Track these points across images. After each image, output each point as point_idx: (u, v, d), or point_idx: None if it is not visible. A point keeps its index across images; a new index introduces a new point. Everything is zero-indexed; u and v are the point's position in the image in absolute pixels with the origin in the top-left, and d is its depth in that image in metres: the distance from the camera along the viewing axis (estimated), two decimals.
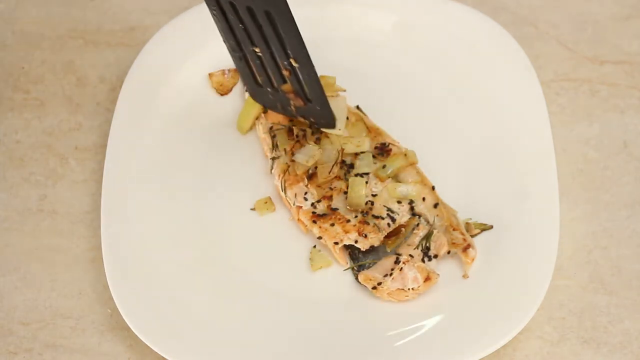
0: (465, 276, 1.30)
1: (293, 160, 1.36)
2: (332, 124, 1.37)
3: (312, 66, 1.30)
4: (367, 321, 1.28)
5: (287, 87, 1.35)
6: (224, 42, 1.35)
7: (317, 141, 1.37)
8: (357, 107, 1.43)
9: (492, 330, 1.24)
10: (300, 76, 1.32)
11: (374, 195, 1.34)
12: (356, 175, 1.35)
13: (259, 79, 1.37)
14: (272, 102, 1.39)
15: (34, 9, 1.60)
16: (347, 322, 1.28)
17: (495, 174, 1.38)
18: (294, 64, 1.30)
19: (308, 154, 1.36)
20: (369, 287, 1.29)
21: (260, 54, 1.32)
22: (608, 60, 1.53)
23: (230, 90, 1.48)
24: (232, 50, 1.35)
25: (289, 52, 1.29)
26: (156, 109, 1.44)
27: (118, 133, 1.40)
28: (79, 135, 1.47)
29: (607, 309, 1.31)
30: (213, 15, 1.32)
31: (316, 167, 1.35)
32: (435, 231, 1.31)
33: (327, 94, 1.36)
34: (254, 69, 1.36)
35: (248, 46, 1.33)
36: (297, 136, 1.38)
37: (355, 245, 1.31)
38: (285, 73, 1.33)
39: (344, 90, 1.41)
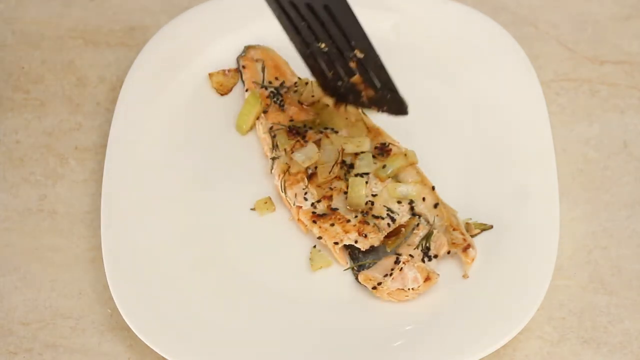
0: (465, 276, 1.30)
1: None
2: (404, 110, 1.35)
3: (377, 54, 1.30)
4: (367, 321, 1.28)
5: (356, 78, 1.34)
6: (290, 41, 1.35)
7: (318, 141, 1.37)
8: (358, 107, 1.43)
9: (492, 330, 1.24)
10: (367, 66, 1.32)
11: (374, 195, 1.34)
12: (356, 175, 1.35)
13: (328, 74, 1.36)
14: (345, 95, 1.38)
15: (34, 9, 1.60)
16: (347, 322, 1.28)
17: (495, 174, 1.37)
18: (358, 55, 1.30)
19: (307, 155, 1.35)
20: (369, 287, 1.29)
21: (326, 49, 1.32)
22: (608, 60, 1.53)
23: (230, 90, 1.48)
24: (298, 50, 1.35)
25: (352, 43, 1.29)
26: (156, 109, 1.44)
27: (118, 133, 1.40)
28: (79, 135, 1.47)
29: (607, 309, 1.31)
30: (276, 14, 1.31)
31: (316, 167, 1.35)
32: (435, 231, 1.31)
33: None
34: (323, 65, 1.36)
35: (314, 43, 1.32)
36: (297, 134, 1.38)
37: (355, 245, 1.31)
38: (352, 65, 1.32)
39: None
